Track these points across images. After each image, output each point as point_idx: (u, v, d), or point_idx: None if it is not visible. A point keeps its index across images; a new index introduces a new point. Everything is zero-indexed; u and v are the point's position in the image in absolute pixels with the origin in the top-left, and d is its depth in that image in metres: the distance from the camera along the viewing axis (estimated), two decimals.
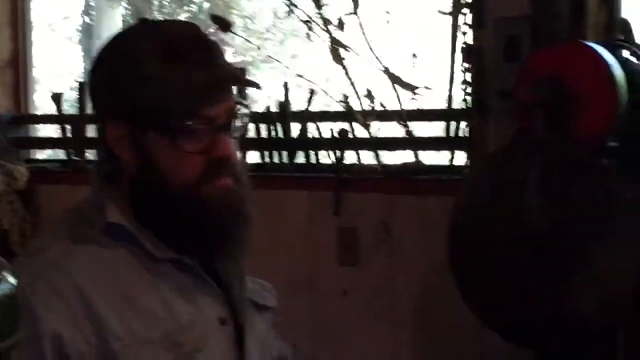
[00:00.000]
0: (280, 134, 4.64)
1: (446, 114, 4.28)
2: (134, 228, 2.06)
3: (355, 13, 4.31)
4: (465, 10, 4.06)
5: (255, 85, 2.21)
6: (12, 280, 1.21)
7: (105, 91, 2.11)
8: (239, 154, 2.14)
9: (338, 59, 4.38)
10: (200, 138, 2.00)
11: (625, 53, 3.56)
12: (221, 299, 2.16)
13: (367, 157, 4.50)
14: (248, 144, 4.61)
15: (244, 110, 2.11)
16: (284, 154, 4.65)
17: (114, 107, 2.07)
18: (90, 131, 5.04)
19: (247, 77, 2.15)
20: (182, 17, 8.40)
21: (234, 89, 2.13)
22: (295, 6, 4.43)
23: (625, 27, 3.80)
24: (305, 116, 4.56)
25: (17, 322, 0.97)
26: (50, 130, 5.44)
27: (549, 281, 3.15)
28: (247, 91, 4.01)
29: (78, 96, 5.16)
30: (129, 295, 2.02)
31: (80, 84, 5.21)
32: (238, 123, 2.09)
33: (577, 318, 3.21)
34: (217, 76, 2.03)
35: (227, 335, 2.15)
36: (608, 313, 3.24)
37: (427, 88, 4.35)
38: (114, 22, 7.13)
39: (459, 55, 4.14)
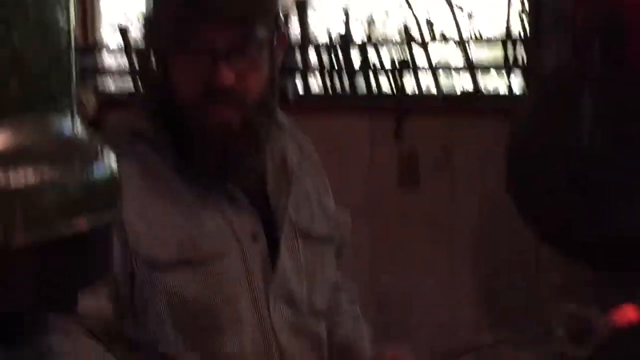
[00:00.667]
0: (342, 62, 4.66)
1: (504, 40, 4.30)
2: (165, 139, 2.17)
3: None
4: None
5: (251, 22, 2.23)
6: None
7: (146, 28, 2.33)
8: (256, 83, 2.14)
9: None
10: (195, 63, 2.09)
11: None
12: (256, 218, 2.22)
13: (427, 83, 4.52)
14: (310, 71, 4.67)
15: (259, 40, 2.11)
16: (346, 81, 4.67)
17: (151, 41, 2.28)
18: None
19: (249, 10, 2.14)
20: None
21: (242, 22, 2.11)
22: None
23: None
24: (365, 45, 4.59)
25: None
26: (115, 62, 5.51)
27: (603, 199, 3.23)
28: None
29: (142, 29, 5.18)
30: (154, 197, 2.13)
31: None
32: (253, 52, 2.11)
33: (632, 236, 3.26)
34: (207, 6, 2.08)
35: (257, 250, 2.22)
36: None
37: (481, 14, 4.40)
38: None
39: None
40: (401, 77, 4.51)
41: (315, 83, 4.76)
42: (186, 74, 2.12)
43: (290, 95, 4.71)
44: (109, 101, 5.15)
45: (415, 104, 4.48)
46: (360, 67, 4.63)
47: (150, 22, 2.21)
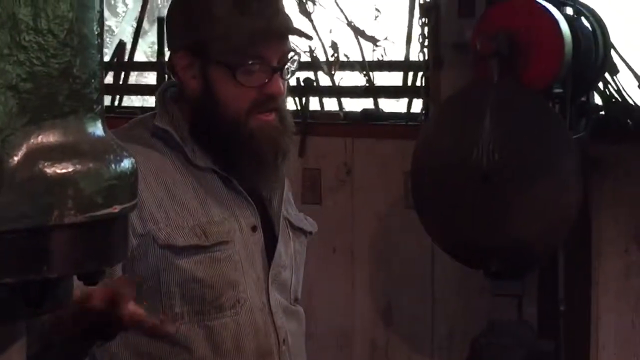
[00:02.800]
0: None
1: (404, 65, 4.42)
2: (180, 137, 2.31)
3: None
4: None
5: (307, 37, 2.46)
6: None
7: (180, 25, 2.37)
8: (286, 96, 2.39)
9: (305, 12, 4.48)
10: (256, 75, 2.25)
11: (570, 11, 3.80)
12: (255, 213, 2.37)
13: (330, 104, 4.62)
14: None
15: (295, 57, 2.34)
16: None
17: (186, 40, 2.32)
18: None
19: (300, 30, 2.37)
20: None
21: (289, 38, 2.34)
22: None
23: None
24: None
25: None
26: None
27: (498, 209, 3.38)
28: None
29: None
30: (170, 190, 2.28)
31: (159, 19, 5.33)
32: (290, 67, 2.32)
33: (522, 242, 3.41)
34: (275, 25, 2.27)
35: (256, 241, 2.38)
36: (551, 239, 3.48)
37: (386, 39, 4.48)
38: None
39: (417, 11, 4.27)
40: (306, 97, 4.58)
41: None
42: (244, 86, 2.26)
43: None
44: None
45: (318, 123, 4.56)
46: None
47: (206, 33, 2.28)
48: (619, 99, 3.95)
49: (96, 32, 1.10)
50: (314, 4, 4.50)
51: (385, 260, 4.43)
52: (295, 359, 2.49)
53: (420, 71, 4.34)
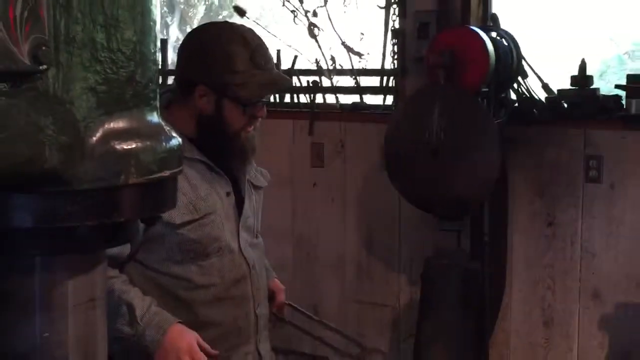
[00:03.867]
0: None
1: (381, 72, 4.38)
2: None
3: (324, 6, 4.37)
4: (394, 5, 4.18)
5: (290, 85, 2.55)
6: None
7: (201, 64, 2.31)
8: None
9: (312, 35, 4.45)
10: (256, 109, 2.33)
11: (496, 35, 3.80)
12: (228, 183, 2.43)
13: (330, 99, 4.58)
14: None
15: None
16: (277, 96, 4.71)
17: (207, 79, 2.29)
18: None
19: (288, 81, 2.47)
20: None
21: None
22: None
23: (495, 18, 4.01)
24: (292, 72, 4.59)
25: None
26: None
27: (443, 173, 3.38)
28: None
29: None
30: None
31: (162, 40, 5.22)
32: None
33: (459, 196, 3.43)
34: (275, 79, 2.36)
35: (230, 202, 2.44)
36: (479, 193, 3.49)
37: (368, 54, 4.42)
38: None
39: (389, 34, 4.25)
40: (314, 94, 4.57)
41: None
42: (244, 113, 2.32)
43: None
44: None
45: (321, 112, 4.53)
46: (290, 87, 4.58)
47: (227, 80, 2.28)
48: (528, 95, 3.95)
49: (152, 50, 1.10)
50: (319, 29, 4.45)
51: (368, 207, 4.41)
52: (260, 277, 2.55)
53: (392, 76, 4.32)
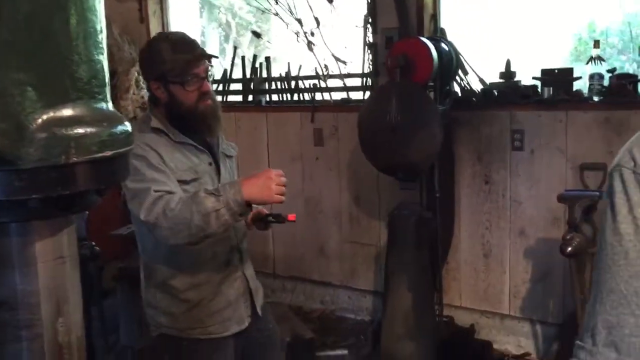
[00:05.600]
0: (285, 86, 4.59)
1: (361, 75, 4.22)
2: (166, 128, 2.17)
3: (318, 27, 4.23)
4: (368, 24, 4.01)
5: (214, 56, 2.25)
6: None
7: (148, 65, 2.18)
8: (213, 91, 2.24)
9: (310, 49, 4.30)
10: (194, 83, 2.11)
11: (441, 44, 3.60)
12: (209, 156, 2.25)
13: (326, 96, 4.44)
14: (277, 91, 4.62)
15: (210, 70, 2.21)
16: (288, 96, 4.59)
17: (153, 74, 2.14)
18: None
19: (210, 54, 2.22)
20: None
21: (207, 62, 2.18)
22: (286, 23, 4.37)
23: (443, 31, 3.82)
24: (299, 77, 4.52)
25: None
26: None
27: (400, 146, 3.22)
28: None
29: None
30: (167, 155, 2.12)
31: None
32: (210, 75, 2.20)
33: (413, 162, 3.26)
34: (196, 54, 2.12)
35: (213, 169, 2.25)
36: (428, 160, 3.31)
37: (351, 62, 4.26)
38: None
39: (366, 46, 4.07)
40: (314, 93, 4.42)
41: (276, 97, 4.68)
42: (192, 91, 2.12)
43: (263, 102, 4.67)
44: None
45: (320, 105, 4.38)
46: (295, 88, 4.55)
47: (162, 69, 2.12)
48: (467, 87, 3.75)
49: (94, 52, 0.93)
50: (314, 45, 4.29)
51: (356, 174, 4.27)
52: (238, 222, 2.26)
53: (369, 77, 4.16)
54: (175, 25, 5.27)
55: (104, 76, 0.97)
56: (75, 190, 0.91)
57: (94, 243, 3.24)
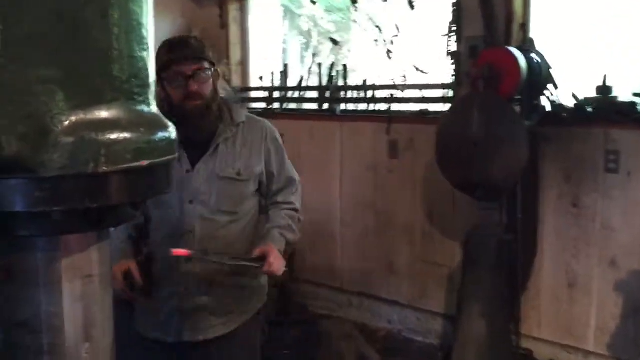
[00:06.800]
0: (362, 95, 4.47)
1: (442, 86, 4.03)
2: None
3: (397, 36, 4.09)
4: (452, 33, 3.81)
5: (208, 61, 2.12)
6: None
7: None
8: (210, 91, 2.12)
9: (389, 57, 4.16)
10: (176, 81, 2.06)
11: (530, 54, 3.36)
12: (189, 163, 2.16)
13: (403, 107, 4.27)
14: (353, 100, 4.52)
15: (207, 69, 2.10)
16: (365, 105, 4.45)
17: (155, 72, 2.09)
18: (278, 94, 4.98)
19: (201, 55, 2.09)
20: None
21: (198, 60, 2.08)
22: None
23: (531, 41, 3.58)
24: (375, 87, 4.37)
25: None
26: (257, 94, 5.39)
27: (481, 162, 3.02)
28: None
29: (281, 73, 4.97)
30: None
31: (285, 65, 5.02)
32: (203, 75, 2.09)
33: (494, 180, 3.06)
34: (181, 55, 2.06)
35: (188, 177, 2.14)
36: (511, 178, 3.10)
37: (430, 72, 4.09)
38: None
39: (449, 55, 3.86)
40: (391, 103, 4.27)
41: (352, 106, 4.56)
42: (175, 88, 2.08)
43: (337, 112, 4.56)
44: (252, 113, 5.03)
45: (397, 117, 4.21)
46: (371, 98, 4.41)
47: (157, 66, 2.04)
48: (558, 102, 3.48)
49: (135, 49, 0.83)
50: (393, 54, 4.17)
51: (431, 188, 4.01)
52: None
53: (450, 89, 3.97)
54: (254, 32, 5.26)
55: (147, 75, 0.86)
56: (105, 203, 0.81)
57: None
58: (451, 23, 3.81)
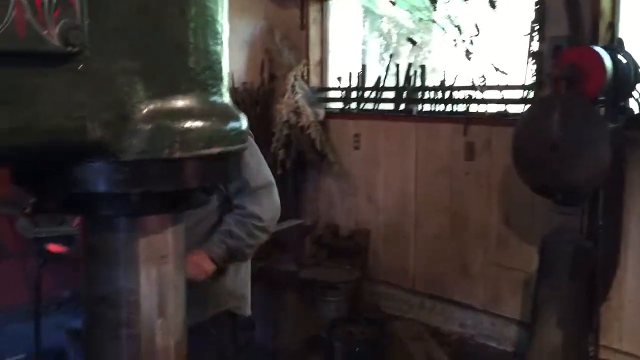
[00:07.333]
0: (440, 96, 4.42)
1: (522, 87, 3.91)
2: None
3: (476, 35, 4.02)
4: (535, 32, 3.71)
5: (450, 100, 2.18)
6: None
7: None
8: None
9: (468, 58, 4.09)
10: None
11: (617, 54, 3.21)
12: None
13: (481, 108, 4.20)
14: (429, 101, 4.47)
15: None
16: (442, 106, 4.40)
17: None
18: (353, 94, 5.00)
19: None
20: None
21: None
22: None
23: (620, 42, 3.41)
24: (453, 88, 4.32)
25: None
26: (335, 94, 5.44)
27: (560, 165, 2.91)
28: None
29: (359, 73, 5.00)
30: None
31: (363, 66, 5.05)
32: None
33: (574, 184, 2.95)
34: None
35: None
36: (593, 183, 2.98)
37: (510, 73, 3.99)
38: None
39: (531, 55, 3.78)
40: (468, 104, 4.21)
41: (429, 107, 4.51)
42: None
43: (414, 112, 4.53)
44: (329, 113, 5.11)
45: (474, 118, 4.14)
46: (449, 99, 4.35)
47: None
48: None
49: (209, 42, 0.87)
50: (471, 53, 4.06)
51: (508, 192, 3.93)
52: None
53: (530, 90, 3.84)
54: (334, 33, 5.31)
55: (220, 69, 0.90)
56: (178, 187, 0.85)
57: None
58: (534, 22, 3.70)
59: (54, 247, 3.14)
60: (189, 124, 0.84)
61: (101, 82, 0.77)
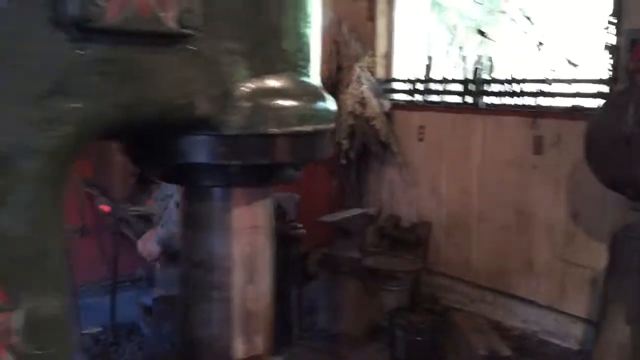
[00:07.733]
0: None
1: (596, 81, 3.76)
2: None
3: (548, 27, 3.93)
4: (611, 25, 3.56)
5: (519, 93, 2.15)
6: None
7: None
8: None
9: (539, 49, 4.02)
10: None
11: None
12: None
13: (551, 102, 4.06)
14: (497, 94, 4.41)
15: None
16: (510, 99, 4.31)
17: None
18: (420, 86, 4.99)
19: None
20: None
21: None
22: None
23: None
24: (522, 80, 4.20)
25: None
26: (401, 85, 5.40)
27: (635, 160, 2.82)
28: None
29: (426, 65, 5.00)
30: None
31: (429, 58, 5.04)
32: None
33: None
34: None
35: None
36: None
37: (582, 66, 3.87)
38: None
39: (606, 49, 3.61)
40: (538, 97, 4.09)
41: (497, 99, 4.43)
42: None
43: (481, 105, 4.47)
44: (395, 104, 5.09)
45: (544, 112, 4.02)
46: (518, 92, 4.26)
47: None
48: None
49: (301, 26, 0.93)
50: (542, 44, 3.95)
51: (577, 187, 3.80)
52: None
53: (606, 84, 3.70)
54: (400, 25, 5.29)
55: (308, 51, 0.96)
56: (272, 161, 0.92)
57: (300, 225, 3.38)
58: (610, 15, 3.59)
59: (104, 207, 3.35)
60: (282, 103, 0.90)
61: (208, 62, 0.83)
